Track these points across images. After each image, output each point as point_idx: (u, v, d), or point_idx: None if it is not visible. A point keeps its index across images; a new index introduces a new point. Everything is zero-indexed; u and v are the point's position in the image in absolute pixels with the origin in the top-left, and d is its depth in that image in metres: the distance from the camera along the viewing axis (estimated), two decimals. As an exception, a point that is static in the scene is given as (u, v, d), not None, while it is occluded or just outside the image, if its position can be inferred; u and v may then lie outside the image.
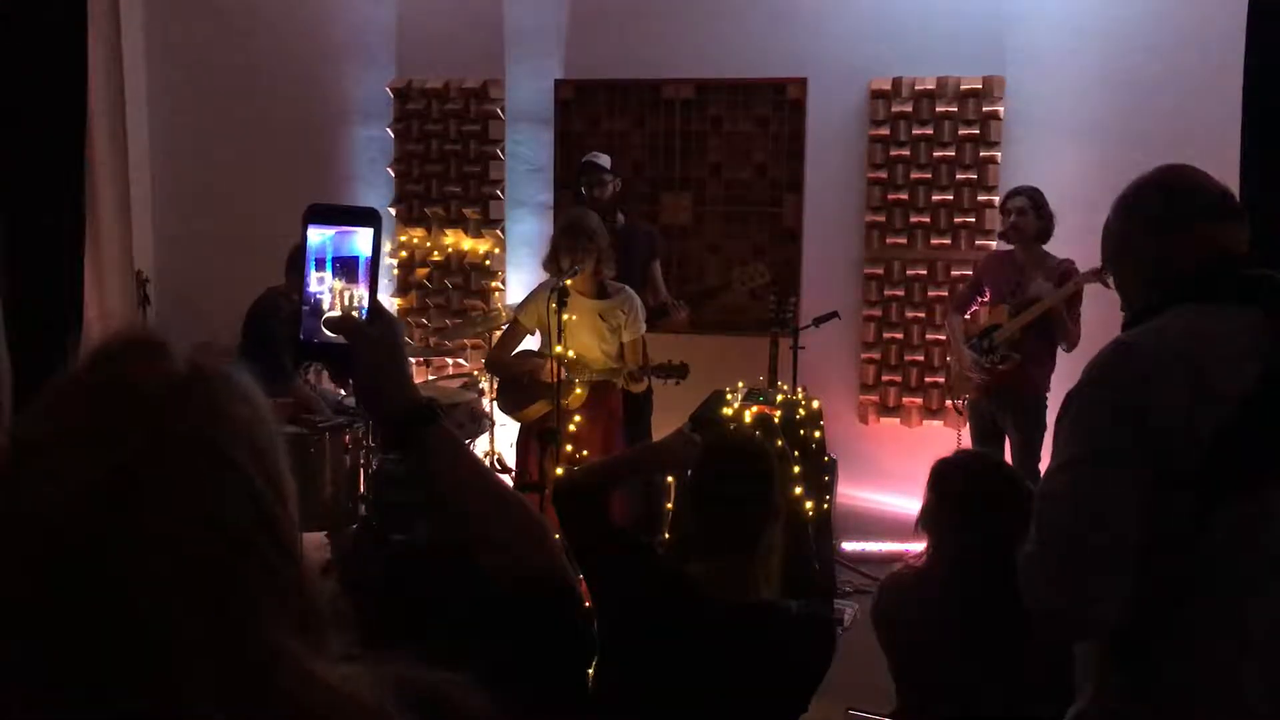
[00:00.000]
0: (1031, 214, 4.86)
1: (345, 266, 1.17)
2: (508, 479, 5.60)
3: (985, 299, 5.14)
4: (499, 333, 5.21)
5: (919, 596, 2.37)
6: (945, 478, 2.39)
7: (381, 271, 1.19)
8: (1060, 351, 4.86)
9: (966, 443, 5.17)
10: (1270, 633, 1.65)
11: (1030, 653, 2.16)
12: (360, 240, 1.18)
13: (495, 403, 5.11)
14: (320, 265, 1.17)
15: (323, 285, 1.17)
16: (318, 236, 1.18)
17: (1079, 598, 1.63)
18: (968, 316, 5.20)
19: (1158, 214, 1.83)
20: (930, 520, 2.38)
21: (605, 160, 5.44)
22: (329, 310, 1.17)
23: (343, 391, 5.18)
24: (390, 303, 6.61)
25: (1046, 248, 4.93)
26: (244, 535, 0.74)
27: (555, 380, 4.42)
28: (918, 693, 2.37)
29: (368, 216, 1.19)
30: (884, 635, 2.42)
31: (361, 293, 1.17)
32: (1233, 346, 1.65)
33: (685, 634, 2.21)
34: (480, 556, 1.18)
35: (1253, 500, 1.61)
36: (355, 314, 1.17)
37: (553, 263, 4.53)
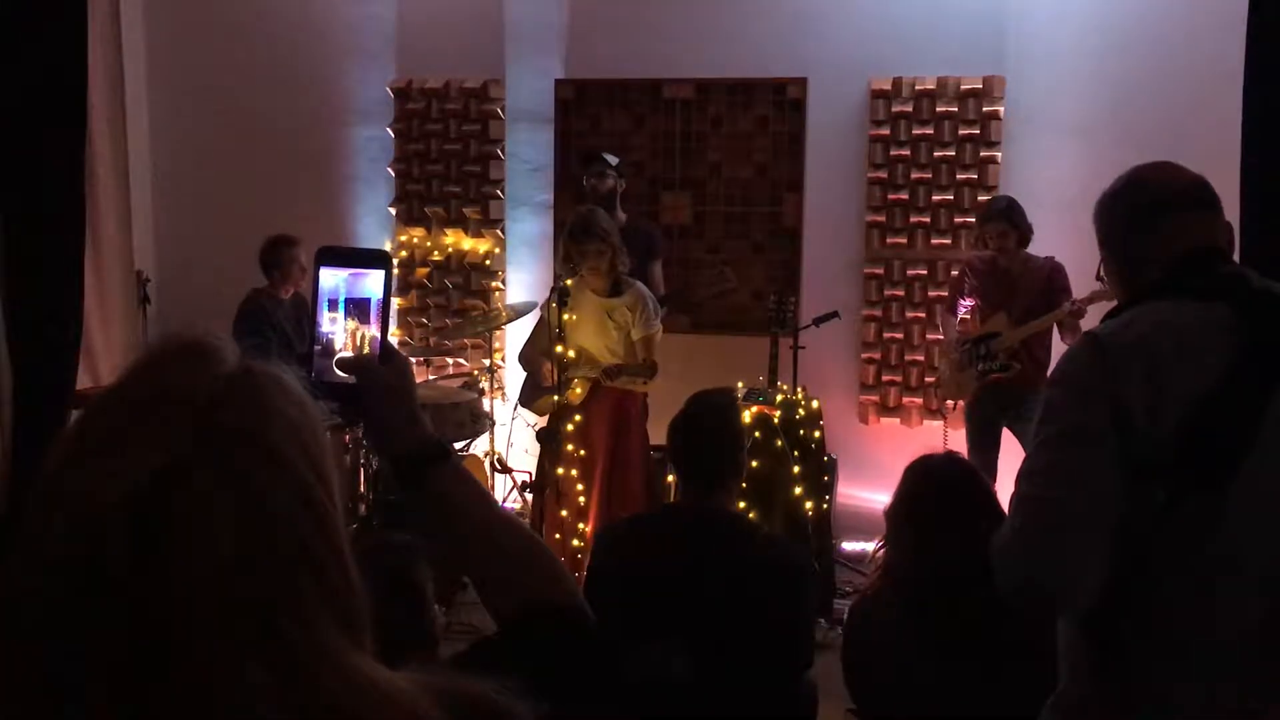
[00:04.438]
0: (1012, 233, 4.88)
1: (358, 307, 1.18)
2: (509, 479, 5.61)
3: (969, 300, 5.15)
4: (499, 333, 5.21)
5: (888, 602, 2.39)
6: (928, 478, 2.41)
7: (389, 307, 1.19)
8: (1053, 348, 4.90)
9: (955, 441, 5.17)
10: (1224, 628, 1.67)
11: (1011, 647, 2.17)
12: (372, 282, 1.19)
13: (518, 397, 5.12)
14: (333, 306, 1.18)
15: (335, 325, 1.18)
16: (331, 278, 1.19)
17: (1056, 566, 1.66)
18: (965, 317, 5.21)
19: (1129, 212, 1.87)
20: (905, 517, 2.39)
21: (614, 159, 5.45)
22: (340, 350, 1.18)
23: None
24: (390, 303, 6.60)
25: (1031, 247, 4.97)
26: (293, 532, 0.75)
27: (555, 379, 4.43)
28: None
29: (379, 259, 1.20)
30: (858, 659, 2.45)
31: (373, 333, 1.18)
32: (1198, 343, 1.67)
33: (662, 539, 2.61)
34: (488, 590, 1.18)
35: (1209, 497, 1.63)
36: (366, 354, 1.18)
37: (568, 262, 4.52)
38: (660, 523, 2.84)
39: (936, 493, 2.37)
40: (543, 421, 4.78)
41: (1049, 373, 1.82)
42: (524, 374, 5.03)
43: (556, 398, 4.47)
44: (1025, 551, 1.68)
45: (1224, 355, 1.65)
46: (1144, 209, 1.85)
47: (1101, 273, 1.96)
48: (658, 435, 4.46)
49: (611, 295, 4.59)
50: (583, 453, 4.62)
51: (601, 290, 4.58)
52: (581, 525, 4.61)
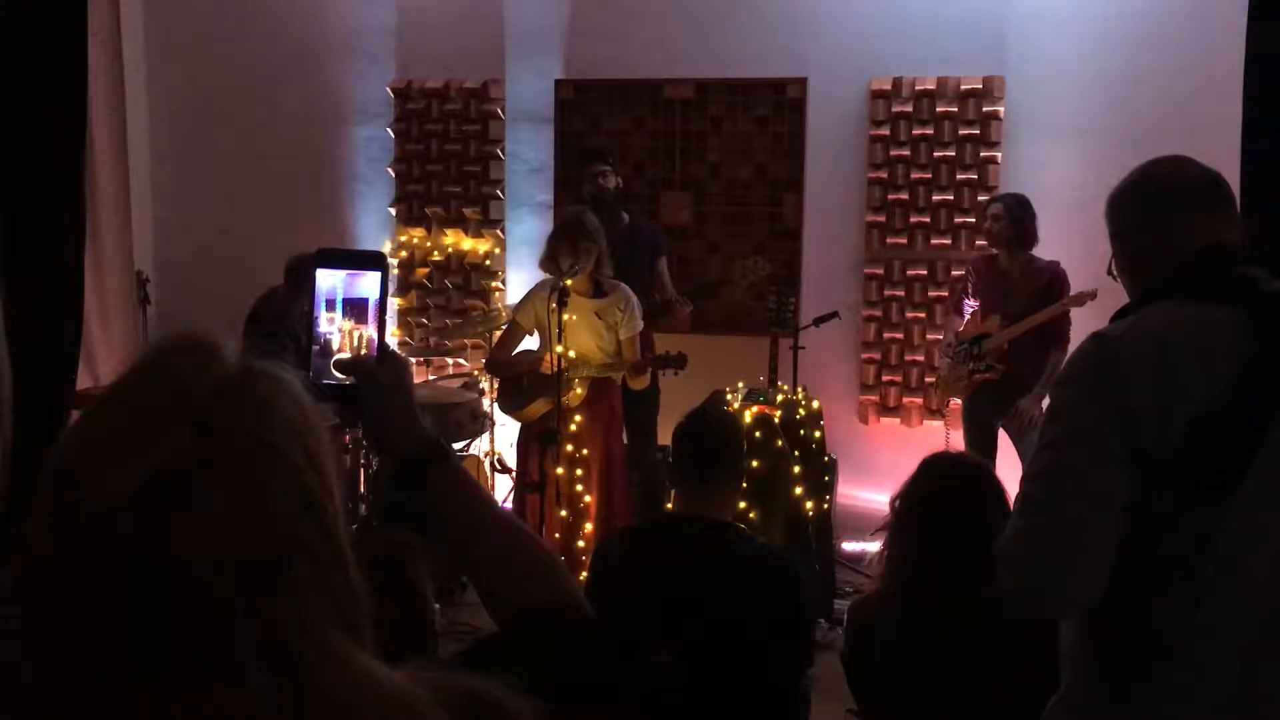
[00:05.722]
0: (1005, 220, 4.87)
1: (355, 308, 1.19)
2: (508, 479, 5.61)
3: (974, 300, 5.15)
4: (499, 333, 5.21)
5: (887, 606, 2.38)
6: (939, 475, 2.40)
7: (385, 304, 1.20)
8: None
9: (955, 441, 5.18)
10: (1227, 632, 1.66)
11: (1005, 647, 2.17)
12: (368, 282, 1.19)
13: (495, 403, 5.11)
14: (330, 306, 1.19)
15: (333, 325, 1.19)
16: (328, 279, 1.19)
17: (1059, 568, 1.65)
18: (968, 315, 5.21)
19: (1139, 211, 1.85)
20: (914, 516, 2.38)
21: None
22: (338, 351, 1.18)
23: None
24: (390, 303, 6.60)
25: (1037, 250, 4.95)
26: (293, 531, 0.75)
27: (556, 380, 4.42)
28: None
29: (375, 260, 1.21)
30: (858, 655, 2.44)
31: (370, 334, 1.19)
32: (1207, 346, 1.65)
33: (659, 545, 2.66)
34: (488, 589, 1.18)
35: (1215, 501, 1.62)
36: (364, 355, 1.18)
37: (551, 262, 4.51)
38: (653, 533, 2.82)
39: (944, 494, 2.36)
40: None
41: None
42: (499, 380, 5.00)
43: (562, 398, 4.47)
44: (1028, 554, 1.68)
45: (1233, 359, 1.63)
46: (1155, 205, 1.83)
47: (1113, 268, 1.94)
48: (662, 435, 4.46)
49: (595, 296, 4.60)
50: (585, 452, 4.62)
51: (585, 292, 4.58)
52: (588, 526, 4.62)
